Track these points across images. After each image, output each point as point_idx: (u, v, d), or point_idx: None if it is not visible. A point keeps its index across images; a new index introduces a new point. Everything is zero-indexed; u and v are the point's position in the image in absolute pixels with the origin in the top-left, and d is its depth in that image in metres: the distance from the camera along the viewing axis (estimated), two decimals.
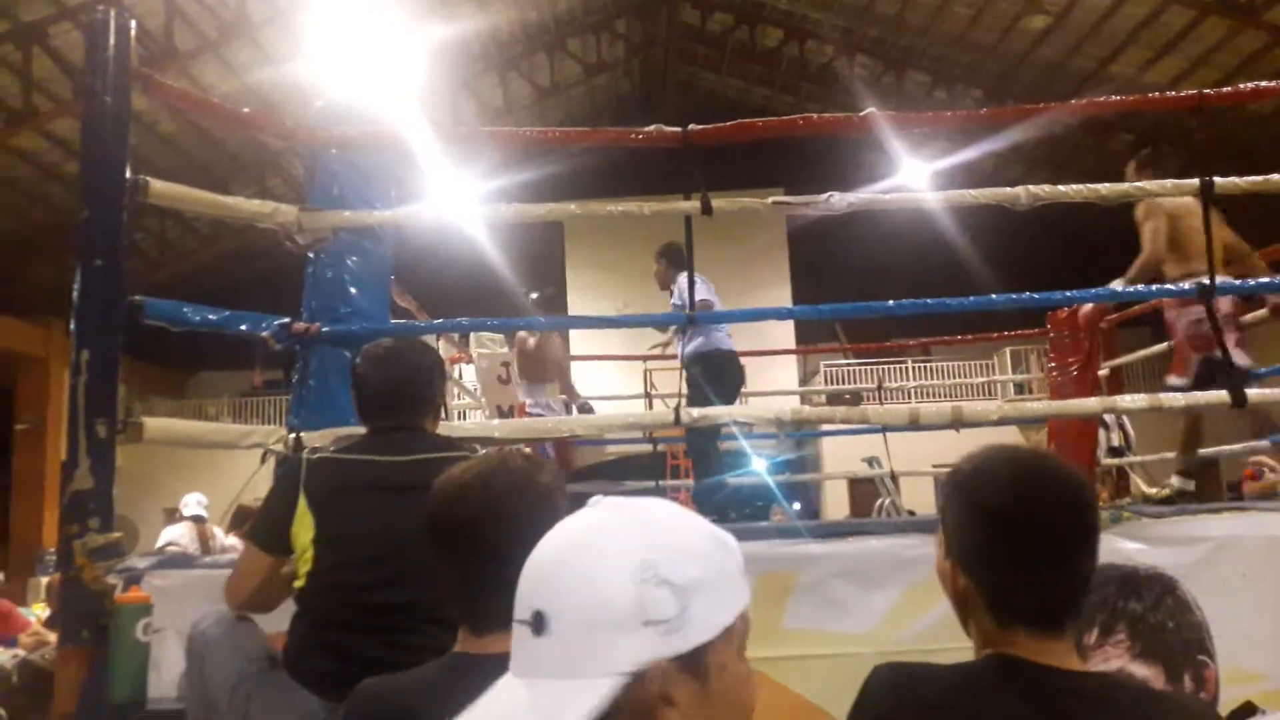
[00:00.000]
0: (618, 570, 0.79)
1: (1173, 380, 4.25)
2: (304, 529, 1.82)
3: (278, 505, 1.88)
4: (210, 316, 2.76)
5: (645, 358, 7.79)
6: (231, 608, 1.89)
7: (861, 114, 3.21)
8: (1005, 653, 1.16)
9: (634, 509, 0.85)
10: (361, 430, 2.06)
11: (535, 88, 15.96)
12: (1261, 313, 4.66)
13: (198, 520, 7.08)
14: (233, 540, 6.55)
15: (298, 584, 1.83)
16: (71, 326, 2.40)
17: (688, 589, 0.79)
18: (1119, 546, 2.26)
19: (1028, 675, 1.13)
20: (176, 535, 6.88)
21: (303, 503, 1.83)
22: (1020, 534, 1.16)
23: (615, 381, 10.96)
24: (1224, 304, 3.92)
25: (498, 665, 1.18)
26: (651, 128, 3.10)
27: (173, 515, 7.27)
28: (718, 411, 3.13)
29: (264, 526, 1.92)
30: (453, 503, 1.34)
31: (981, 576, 1.20)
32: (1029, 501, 1.16)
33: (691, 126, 3.06)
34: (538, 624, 0.80)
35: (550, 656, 0.79)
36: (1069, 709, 1.10)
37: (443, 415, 2.19)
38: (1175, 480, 4.32)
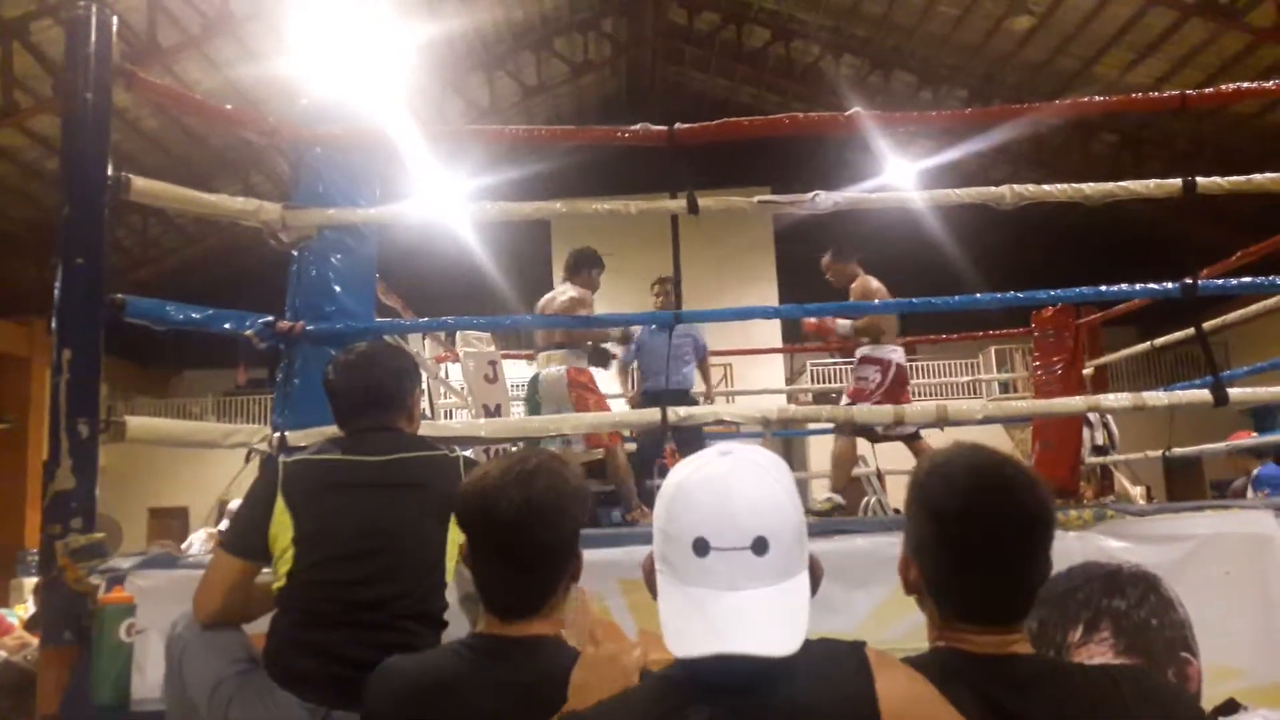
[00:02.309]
0: (789, 498, 1.13)
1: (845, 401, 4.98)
2: (283, 530, 1.80)
3: (253, 511, 1.85)
4: (193, 315, 2.73)
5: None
6: (200, 619, 1.83)
7: (847, 113, 3.20)
8: (952, 646, 1.23)
9: (757, 453, 1.17)
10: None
11: (522, 87, 15.93)
12: (1238, 314, 4.73)
13: None
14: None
15: (277, 585, 1.81)
16: (53, 325, 2.38)
17: None
18: (1103, 545, 2.27)
19: (970, 667, 1.20)
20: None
21: (280, 505, 1.82)
22: (965, 537, 1.21)
23: (601, 380, 10.92)
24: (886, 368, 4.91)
25: (525, 647, 1.37)
26: (637, 126, 3.09)
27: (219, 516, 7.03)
28: (704, 411, 3.12)
29: (238, 532, 1.89)
30: (497, 501, 1.37)
31: (930, 572, 1.25)
32: (978, 507, 1.20)
33: (678, 125, 3.05)
34: (760, 547, 1.09)
35: (771, 568, 1.09)
36: (1007, 694, 1.17)
37: (427, 415, 2.18)
38: (834, 495, 4.90)
